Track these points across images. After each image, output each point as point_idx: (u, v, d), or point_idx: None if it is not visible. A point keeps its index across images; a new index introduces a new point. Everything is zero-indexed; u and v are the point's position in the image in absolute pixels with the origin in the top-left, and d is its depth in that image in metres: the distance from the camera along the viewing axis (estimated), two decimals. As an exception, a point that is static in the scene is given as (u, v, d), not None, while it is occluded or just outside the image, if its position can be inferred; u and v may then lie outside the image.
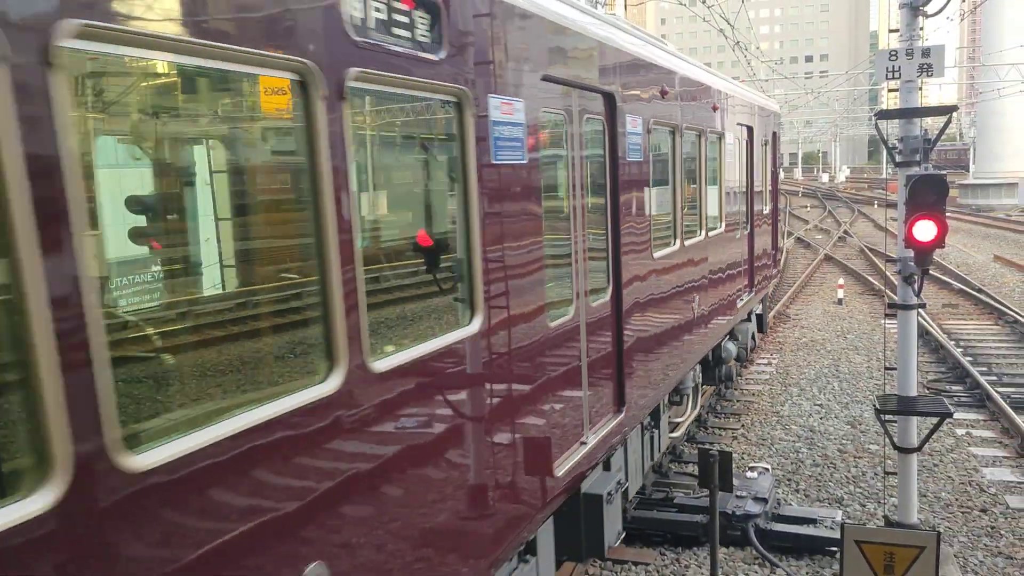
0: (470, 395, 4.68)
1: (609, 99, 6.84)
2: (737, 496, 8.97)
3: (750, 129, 13.60)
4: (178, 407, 3.25)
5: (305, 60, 3.24)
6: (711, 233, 10.64)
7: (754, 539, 8.51)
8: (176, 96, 3.37)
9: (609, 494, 6.60)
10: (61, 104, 2.32)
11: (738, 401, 13.98)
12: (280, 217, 3.93)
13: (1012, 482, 10.39)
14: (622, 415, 7.06)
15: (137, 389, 3.08)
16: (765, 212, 15.55)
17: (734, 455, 11.12)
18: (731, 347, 12.57)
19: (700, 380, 11.09)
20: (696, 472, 8.04)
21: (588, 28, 6.46)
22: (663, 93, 8.38)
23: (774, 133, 16.17)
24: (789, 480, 10.58)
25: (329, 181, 3.39)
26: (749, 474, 9.58)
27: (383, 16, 3.79)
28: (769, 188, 15.85)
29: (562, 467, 5.76)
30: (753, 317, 15.07)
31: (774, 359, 16.91)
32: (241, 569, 3.00)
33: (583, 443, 6.21)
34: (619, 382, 7.13)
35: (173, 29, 2.71)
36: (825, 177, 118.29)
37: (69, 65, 2.37)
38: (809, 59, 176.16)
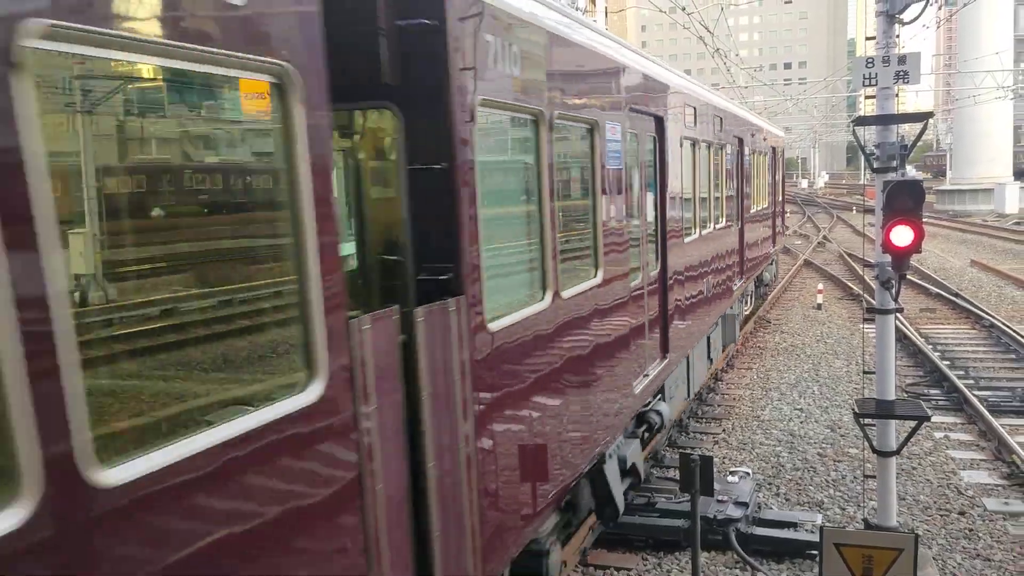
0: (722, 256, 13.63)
1: (740, 141, 15.72)
2: (718, 500, 9.00)
3: (775, 148, 22.46)
4: None
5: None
6: (764, 206, 20.42)
7: (735, 543, 8.55)
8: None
9: (735, 316, 15.67)
10: None
11: (719, 406, 14.04)
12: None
13: (989, 485, 10.49)
14: (743, 280, 16.41)
15: None
16: (779, 200, 24.83)
17: (715, 459, 11.16)
18: (767, 275, 23.37)
19: (752, 290, 20.29)
20: (677, 477, 8.08)
21: (738, 112, 16.41)
22: (752, 134, 17.56)
23: (783, 149, 25.72)
24: (770, 484, 10.64)
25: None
26: (730, 478, 9.63)
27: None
28: (781, 186, 25.40)
29: (734, 287, 15.13)
30: (774, 264, 25.32)
31: (755, 363, 16.99)
32: None
33: (738, 283, 15.60)
34: (742, 260, 16.43)
35: None
36: (804, 183, 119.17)
37: None
38: (788, 66, 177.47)
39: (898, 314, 7.86)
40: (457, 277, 4.58)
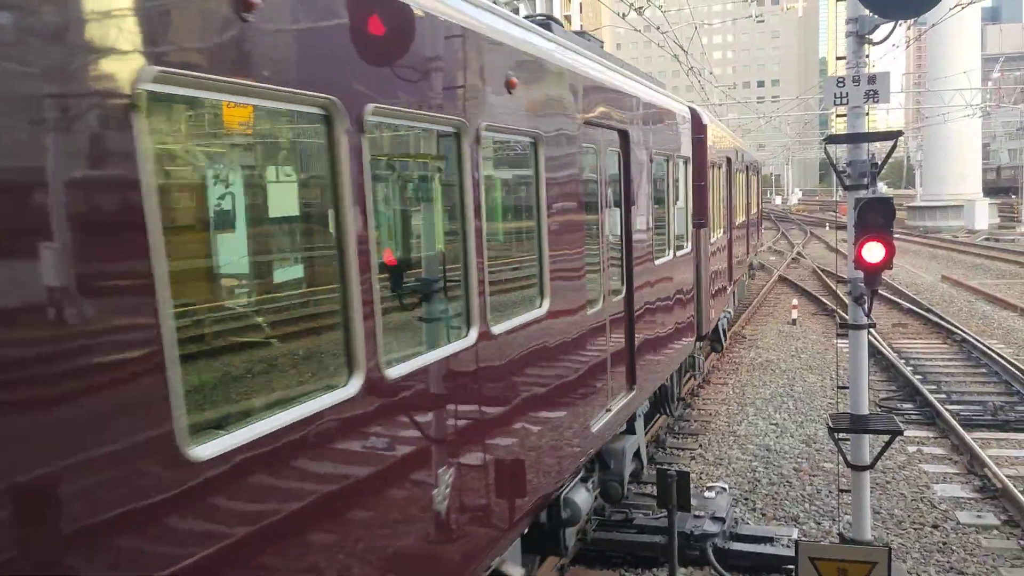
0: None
1: (748, 168, 23.04)
2: (695, 516, 9.03)
3: (758, 170, 29.29)
4: None
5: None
6: (755, 211, 27.15)
7: (712, 559, 8.57)
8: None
9: (743, 282, 24.41)
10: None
11: (696, 421, 14.10)
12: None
13: (962, 498, 10.60)
14: (748, 256, 24.49)
15: None
16: (759, 207, 32.03)
17: (692, 475, 11.20)
18: (754, 263, 30.29)
19: (747, 271, 25.74)
20: (655, 492, 8.11)
21: (747, 150, 24.97)
22: (754, 162, 26.67)
23: (761, 168, 31.97)
24: (746, 499, 10.69)
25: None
26: (707, 494, 9.66)
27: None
28: (759, 197, 32.71)
29: (745, 261, 23.56)
30: (755, 257, 31.56)
31: (730, 379, 17.10)
32: None
33: (746, 259, 23.39)
34: (747, 245, 23.31)
35: None
36: (778, 199, 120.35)
37: None
38: (761, 84, 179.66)
39: (871, 329, 7.95)
40: (704, 222, 12.75)
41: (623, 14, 20.93)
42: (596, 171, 7.60)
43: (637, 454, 9.57)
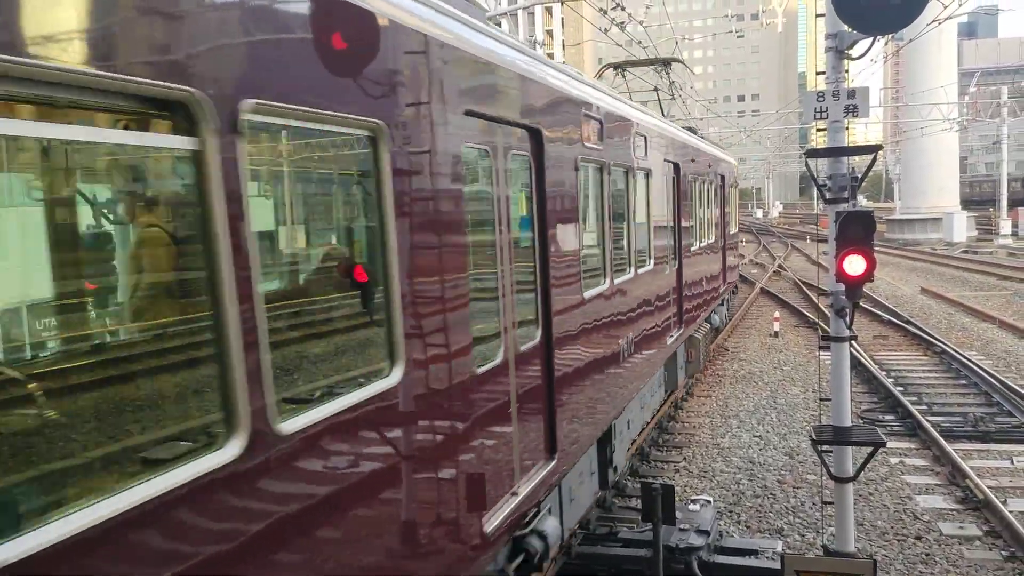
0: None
1: (722, 184, 22.23)
2: (680, 529, 9.00)
3: (724, 178, 34.56)
4: None
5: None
6: (733, 229, 26.83)
7: (697, 572, 8.55)
8: None
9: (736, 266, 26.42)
10: None
11: (680, 434, 14.12)
12: None
13: (944, 509, 10.66)
14: (736, 240, 27.20)
15: None
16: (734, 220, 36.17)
17: (677, 488, 11.20)
18: (738, 258, 33.64)
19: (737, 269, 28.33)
20: (640, 506, 8.10)
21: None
22: (736, 177, 25.60)
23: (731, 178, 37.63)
24: (731, 512, 10.70)
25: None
26: (692, 506, 9.64)
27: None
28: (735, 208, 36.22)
29: (733, 256, 24.45)
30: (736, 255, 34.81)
31: (714, 391, 17.14)
32: None
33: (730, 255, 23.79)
34: (725, 258, 22.92)
35: None
36: (760, 212, 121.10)
37: None
38: (741, 98, 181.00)
39: (852, 341, 7.99)
40: (729, 220, 21.69)
41: (605, 29, 21.07)
42: (720, 191, 17.70)
43: (722, 318, 20.49)
